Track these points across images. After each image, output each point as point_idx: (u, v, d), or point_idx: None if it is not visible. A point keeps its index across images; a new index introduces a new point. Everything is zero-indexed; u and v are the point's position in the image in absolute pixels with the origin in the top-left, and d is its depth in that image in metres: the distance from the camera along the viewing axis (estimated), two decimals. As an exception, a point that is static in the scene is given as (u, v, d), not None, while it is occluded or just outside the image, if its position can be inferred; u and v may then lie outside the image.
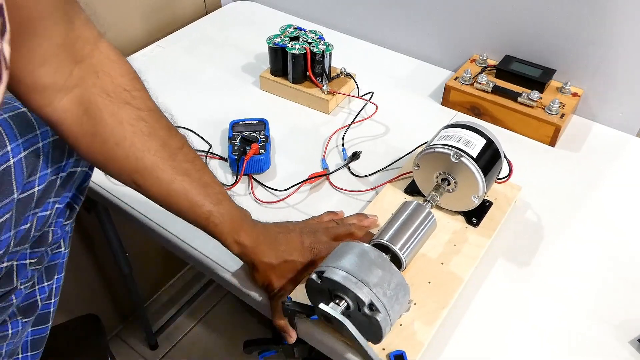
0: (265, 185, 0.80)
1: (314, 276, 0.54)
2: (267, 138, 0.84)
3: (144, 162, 0.55)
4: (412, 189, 0.76)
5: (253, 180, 0.81)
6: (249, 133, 0.84)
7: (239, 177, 0.79)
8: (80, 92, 0.51)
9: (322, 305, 0.52)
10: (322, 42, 0.93)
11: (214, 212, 0.59)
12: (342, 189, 0.80)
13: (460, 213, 0.73)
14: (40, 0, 0.45)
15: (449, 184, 0.69)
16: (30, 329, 0.66)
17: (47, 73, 0.48)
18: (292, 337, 0.62)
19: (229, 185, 0.79)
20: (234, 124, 0.87)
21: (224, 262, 0.69)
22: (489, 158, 0.68)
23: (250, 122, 0.87)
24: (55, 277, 0.65)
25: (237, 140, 0.82)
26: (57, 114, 0.50)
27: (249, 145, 0.80)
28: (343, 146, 0.87)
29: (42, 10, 0.45)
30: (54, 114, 0.50)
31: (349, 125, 0.91)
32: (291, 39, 0.94)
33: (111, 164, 0.55)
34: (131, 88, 0.54)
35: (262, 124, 0.87)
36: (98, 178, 0.79)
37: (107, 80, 0.53)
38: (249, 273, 0.65)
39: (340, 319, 0.51)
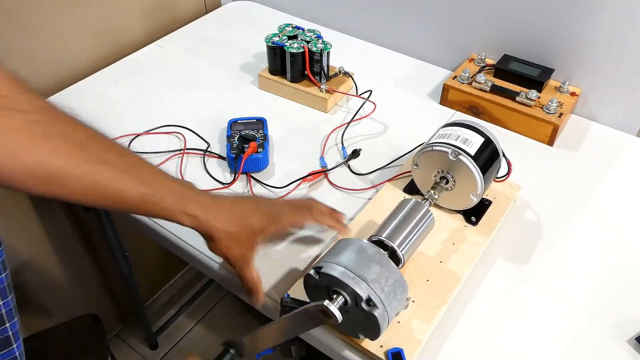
0: (263, 183, 0.80)
1: (312, 272, 0.54)
2: (265, 136, 0.84)
3: (50, 165, 0.49)
4: (412, 189, 0.76)
5: (252, 178, 0.81)
6: (247, 131, 0.84)
7: (237, 175, 0.79)
8: None
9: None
10: (320, 41, 0.93)
11: (148, 192, 0.54)
12: (341, 187, 0.80)
13: (459, 212, 0.73)
14: None
15: (447, 182, 0.69)
16: None
17: None
18: (260, 300, 0.61)
19: (227, 184, 0.79)
20: (233, 123, 0.87)
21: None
22: (488, 156, 0.68)
23: (249, 120, 0.87)
24: (2, 302, 0.57)
25: (236, 139, 0.82)
26: None
27: (247, 144, 0.80)
28: (342, 144, 0.87)
29: None
30: None
31: (348, 123, 0.91)
32: (289, 37, 0.94)
33: (17, 180, 0.48)
34: (12, 93, 0.50)
35: (261, 122, 0.87)
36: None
37: None
38: (207, 245, 0.61)
39: None
